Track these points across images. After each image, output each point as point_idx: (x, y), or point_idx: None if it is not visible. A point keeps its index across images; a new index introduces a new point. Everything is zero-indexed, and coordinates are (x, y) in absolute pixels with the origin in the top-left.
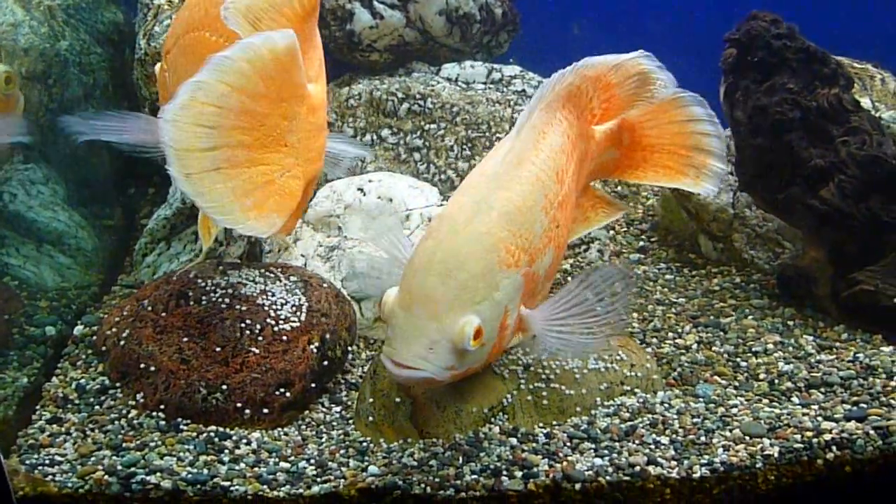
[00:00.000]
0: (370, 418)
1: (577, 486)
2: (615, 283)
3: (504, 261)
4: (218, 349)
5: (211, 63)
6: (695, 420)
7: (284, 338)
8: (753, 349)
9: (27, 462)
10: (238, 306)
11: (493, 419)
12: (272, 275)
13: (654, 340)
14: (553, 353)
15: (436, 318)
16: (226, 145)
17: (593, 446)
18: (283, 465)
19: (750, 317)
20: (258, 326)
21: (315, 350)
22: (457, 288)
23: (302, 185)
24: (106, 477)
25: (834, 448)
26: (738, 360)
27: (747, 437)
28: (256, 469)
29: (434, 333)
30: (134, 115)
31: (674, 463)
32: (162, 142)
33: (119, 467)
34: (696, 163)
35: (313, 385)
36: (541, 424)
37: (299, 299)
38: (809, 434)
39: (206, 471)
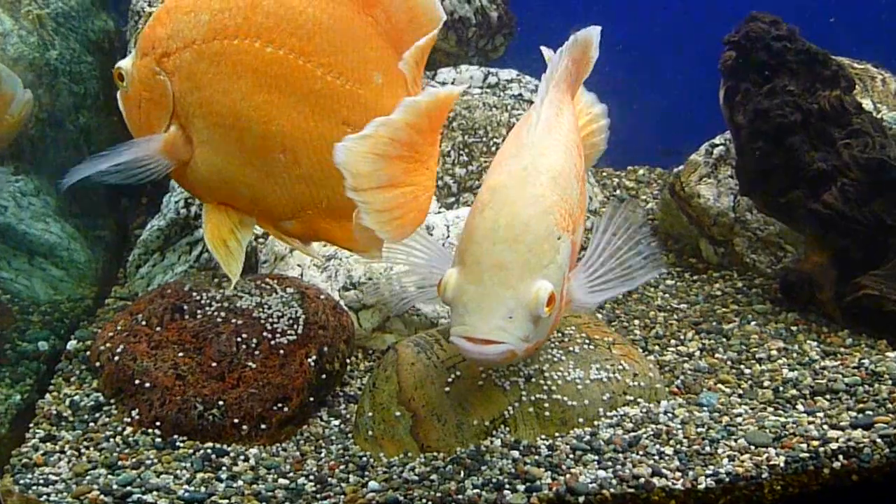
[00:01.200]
0: (370, 432)
1: (581, 499)
2: (631, 224)
3: (559, 224)
4: (214, 364)
5: (403, 105)
6: (699, 430)
7: (281, 351)
8: (757, 356)
9: (21, 482)
10: (234, 320)
11: (494, 432)
12: (268, 286)
13: (657, 348)
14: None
15: (510, 285)
16: (390, 168)
17: (597, 458)
18: (282, 481)
19: (753, 322)
20: (255, 340)
21: (313, 364)
22: (526, 252)
23: (430, 202)
24: (101, 497)
25: (840, 457)
26: (742, 367)
27: (753, 447)
28: (255, 486)
29: (510, 301)
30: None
31: (679, 474)
32: (337, 162)
33: (114, 486)
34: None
35: (311, 399)
36: (543, 436)
37: (296, 311)
38: (816, 443)
39: (203, 489)
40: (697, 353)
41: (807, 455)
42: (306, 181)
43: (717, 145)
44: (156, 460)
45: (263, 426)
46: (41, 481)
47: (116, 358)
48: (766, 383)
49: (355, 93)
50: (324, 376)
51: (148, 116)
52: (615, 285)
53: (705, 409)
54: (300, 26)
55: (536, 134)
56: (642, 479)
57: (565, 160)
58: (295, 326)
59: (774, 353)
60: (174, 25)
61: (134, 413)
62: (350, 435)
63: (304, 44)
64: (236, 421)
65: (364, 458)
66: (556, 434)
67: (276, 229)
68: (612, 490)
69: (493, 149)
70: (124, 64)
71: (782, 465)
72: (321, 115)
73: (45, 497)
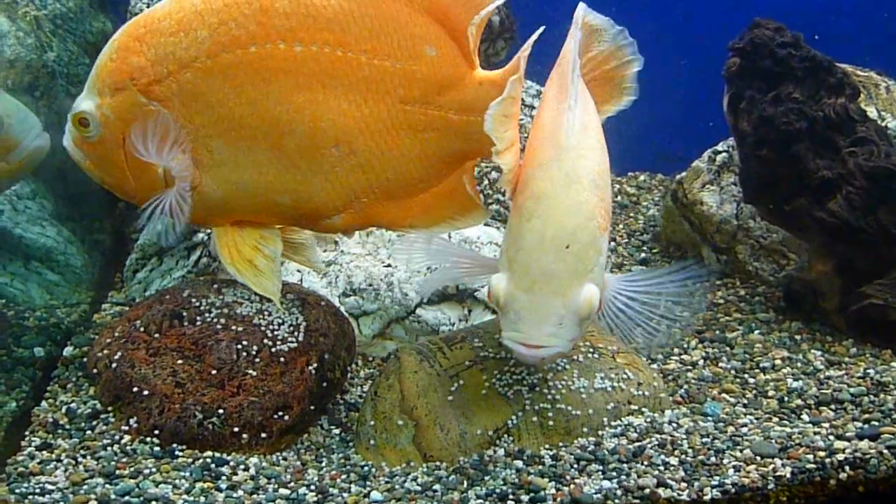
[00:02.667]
0: (371, 441)
1: None
2: (694, 288)
3: (600, 226)
4: (214, 372)
5: (511, 66)
6: (704, 440)
7: (282, 359)
8: (761, 365)
9: (17, 491)
10: (234, 327)
11: (498, 441)
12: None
13: (660, 356)
14: (606, 326)
15: (560, 293)
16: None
17: (601, 468)
18: (283, 491)
19: (756, 331)
20: (255, 348)
21: (314, 371)
22: (574, 261)
23: None
24: None
25: (847, 468)
26: (746, 376)
27: (758, 458)
28: (255, 496)
29: (561, 309)
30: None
31: (684, 485)
32: (487, 129)
33: (112, 496)
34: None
35: (312, 407)
36: (547, 446)
37: (297, 318)
38: (822, 454)
39: (202, 499)
40: (701, 362)
41: (813, 466)
42: (363, 168)
43: (720, 152)
44: (154, 469)
45: (264, 435)
46: (37, 490)
47: (114, 365)
48: (770, 393)
49: (409, 70)
50: (325, 384)
51: (135, 156)
52: (640, 310)
53: (710, 418)
54: (330, 20)
55: (574, 136)
56: (647, 490)
57: (601, 159)
58: (296, 333)
59: (778, 362)
60: (157, 50)
61: (132, 421)
62: (351, 444)
63: (340, 36)
64: (236, 429)
65: (366, 468)
66: (560, 444)
67: (312, 231)
68: (616, 501)
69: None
70: (86, 107)
71: (788, 475)
72: (375, 99)
73: None
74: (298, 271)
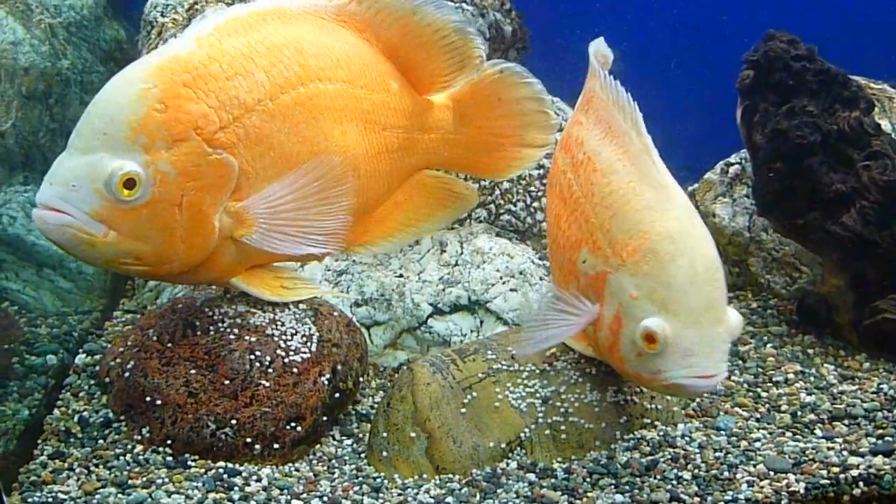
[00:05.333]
0: (384, 453)
1: None
2: None
3: None
4: (227, 382)
5: None
6: (717, 454)
7: (295, 370)
8: (774, 379)
9: (29, 500)
10: (247, 337)
11: (510, 454)
12: (281, 302)
13: None
14: None
15: (721, 320)
16: None
17: (614, 482)
18: (296, 502)
19: (769, 345)
20: (268, 358)
21: (326, 382)
22: (721, 287)
23: None
24: None
25: (861, 484)
26: (759, 390)
27: (772, 473)
28: None
29: (725, 335)
30: None
31: (697, 499)
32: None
33: None
34: None
35: (325, 418)
36: (559, 459)
37: (309, 329)
38: (836, 469)
39: None
40: None
41: (827, 481)
42: (359, 192)
43: (733, 164)
44: (167, 479)
45: (276, 446)
46: (49, 499)
47: (127, 374)
48: (783, 407)
49: (385, 100)
50: (337, 395)
51: (194, 211)
52: None
53: (723, 432)
54: (339, 59)
55: (664, 172)
56: None
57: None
58: (308, 344)
59: (791, 376)
60: (218, 95)
61: (144, 431)
62: (363, 455)
63: (347, 73)
64: (249, 440)
65: (378, 480)
66: (573, 457)
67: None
68: None
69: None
70: (132, 168)
71: (802, 491)
72: (368, 127)
73: None
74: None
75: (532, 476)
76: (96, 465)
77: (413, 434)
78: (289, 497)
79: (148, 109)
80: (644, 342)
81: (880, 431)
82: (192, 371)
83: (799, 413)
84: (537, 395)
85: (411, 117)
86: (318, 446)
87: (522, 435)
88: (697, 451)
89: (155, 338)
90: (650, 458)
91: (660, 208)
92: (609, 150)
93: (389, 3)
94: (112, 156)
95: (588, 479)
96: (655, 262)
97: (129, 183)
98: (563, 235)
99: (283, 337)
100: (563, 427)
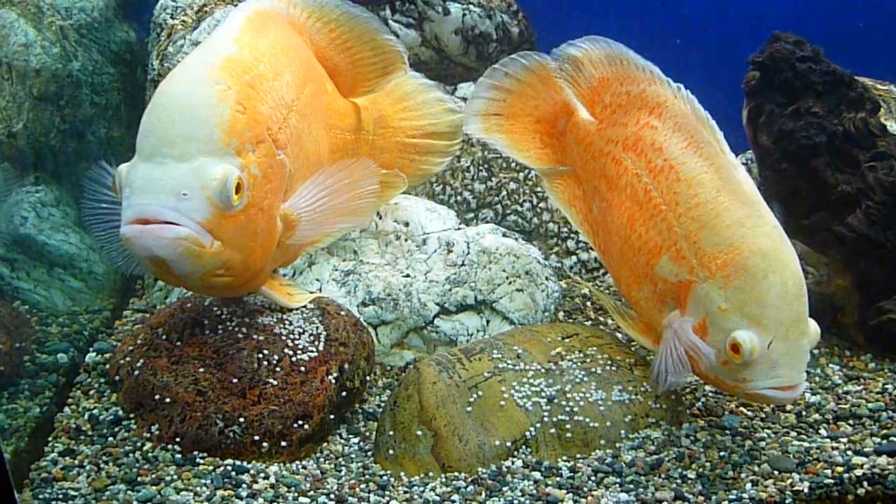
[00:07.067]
0: (390, 451)
1: None
2: None
3: None
4: (235, 380)
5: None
6: (722, 453)
7: (302, 368)
8: None
9: (40, 496)
10: (255, 336)
11: (516, 452)
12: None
13: None
14: None
15: (805, 333)
16: None
17: (618, 481)
18: (303, 500)
19: None
20: (276, 357)
21: (334, 381)
22: (806, 301)
23: None
24: None
25: (865, 483)
26: None
27: (776, 472)
28: None
29: (807, 346)
30: None
31: (701, 498)
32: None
33: (134, 503)
34: None
35: (332, 416)
36: (565, 458)
37: (317, 328)
38: (840, 469)
39: None
40: None
41: (831, 481)
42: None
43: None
44: (176, 476)
45: (284, 443)
46: (60, 496)
47: (136, 372)
48: (788, 407)
49: (328, 102)
50: (344, 393)
51: (270, 215)
52: None
53: (728, 432)
54: (308, 61)
55: (753, 188)
56: (665, 503)
57: None
58: (316, 343)
59: None
60: (272, 96)
61: (154, 428)
62: (370, 453)
63: (314, 75)
64: (257, 438)
65: (384, 478)
66: (578, 455)
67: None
68: None
69: (513, 164)
70: (232, 172)
71: (806, 490)
72: (323, 125)
73: None
74: (317, 280)
75: (537, 474)
76: (106, 462)
77: (419, 432)
78: (296, 494)
79: (232, 111)
80: (730, 351)
81: (885, 431)
82: (201, 369)
83: (804, 413)
84: (543, 394)
85: (343, 118)
86: (325, 444)
87: (528, 433)
88: (702, 450)
89: (164, 336)
90: (655, 456)
91: (750, 224)
92: (694, 161)
93: (321, 9)
94: (215, 160)
95: (593, 478)
96: (747, 277)
97: (237, 189)
98: (640, 239)
99: (291, 336)
100: (568, 426)
